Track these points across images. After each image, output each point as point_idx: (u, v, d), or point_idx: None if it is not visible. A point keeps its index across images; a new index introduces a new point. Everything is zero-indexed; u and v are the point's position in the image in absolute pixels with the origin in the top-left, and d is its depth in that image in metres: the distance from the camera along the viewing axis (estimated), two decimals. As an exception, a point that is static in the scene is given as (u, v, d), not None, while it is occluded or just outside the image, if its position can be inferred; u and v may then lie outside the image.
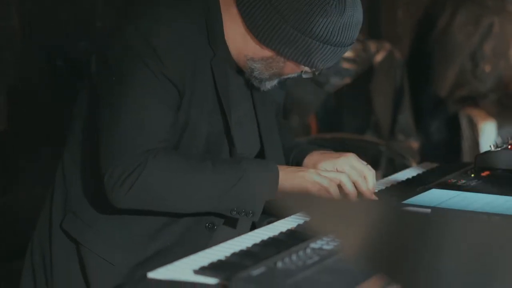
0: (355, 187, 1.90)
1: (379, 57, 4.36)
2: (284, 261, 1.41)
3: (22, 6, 3.06)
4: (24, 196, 2.94)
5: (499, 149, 2.20)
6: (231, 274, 1.36)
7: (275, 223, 1.73)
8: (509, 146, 2.20)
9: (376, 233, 1.02)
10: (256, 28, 1.83)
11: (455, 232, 0.98)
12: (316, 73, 1.91)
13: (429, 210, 1.73)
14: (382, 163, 3.76)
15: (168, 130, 1.81)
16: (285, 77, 1.93)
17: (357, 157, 1.97)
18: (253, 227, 1.89)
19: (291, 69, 1.89)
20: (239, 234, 1.71)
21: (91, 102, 1.90)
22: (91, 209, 1.89)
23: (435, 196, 1.87)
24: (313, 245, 1.49)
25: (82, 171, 1.92)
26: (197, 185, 1.79)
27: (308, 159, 2.03)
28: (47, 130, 2.97)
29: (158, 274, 1.41)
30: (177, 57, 1.80)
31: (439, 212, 1.72)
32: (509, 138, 2.27)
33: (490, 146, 2.22)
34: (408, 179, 2.16)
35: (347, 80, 4.22)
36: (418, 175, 2.23)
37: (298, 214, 1.72)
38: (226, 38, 1.87)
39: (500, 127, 4.51)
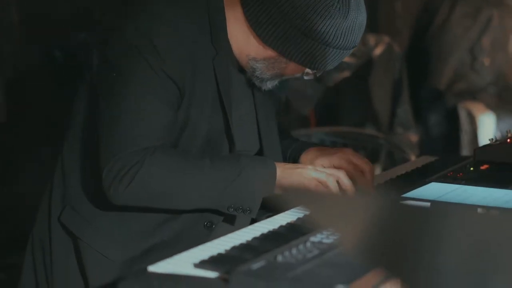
0: (354, 182, 1.91)
1: (378, 51, 4.36)
2: (284, 255, 1.41)
3: (21, 2, 3.05)
4: (23, 190, 2.94)
5: (498, 142, 2.20)
6: (231, 268, 1.36)
7: (275, 217, 1.74)
8: (508, 140, 2.20)
9: (376, 227, 1.02)
10: (260, 28, 1.83)
11: (454, 225, 0.98)
12: (318, 74, 1.91)
13: (428, 204, 1.73)
14: (381, 156, 3.76)
15: (167, 127, 1.80)
16: (287, 77, 1.93)
17: (354, 152, 1.98)
18: (253, 221, 1.90)
19: (293, 70, 1.89)
20: None
21: (91, 99, 1.90)
22: (90, 204, 1.89)
23: (435, 190, 1.87)
24: (313, 238, 1.49)
25: (81, 166, 1.92)
26: (195, 182, 1.79)
27: (305, 156, 2.03)
28: (47, 124, 2.97)
29: (158, 267, 1.41)
30: (178, 55, 1.80)
31: (438, 206, 1.72)
32: (508, 132, 2.28)
33: (489, 140, 2.23)
34: (407, 173, 2.17)
35: (346, 74, 4.22)
36: (417, 168, 2.23)
37: (297, 207, 1.72)
38: (229, 37, 1.87)
39: (498, 120, 4.52)
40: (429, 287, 0.95)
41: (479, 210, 1.66)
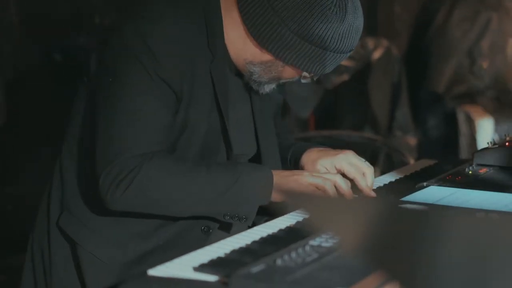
0: (354, 183, 1.91)
1: (377, 54, 4.37)
2: (283, 258, 1.42)
3: (21, 2, 3.06)
4: (23, 191, 2.94)
5: (496, 146, 2.21)
6: (230, 271, 1.36)
7: (274, 220, 1.74)
8: (506, 143, 2.21)
9: (375, 231, 1.02)
10: (257, 32, 1.83)
11: (453, 229, 0.99)
12: (315, 78, 1.92)
13: (427, 207, 1.73)
14: (380, 159, 3.77)
15: (164, 132, 1.80)
16: (284, 81, 1.93)
17: (355, 154, 1.98)
18: (252, 225, 1.90)
19: (290, 74, 1.89)
20: None
21: (89, 101, 1.90)
22: (87, 208, 1.89)
23: (433, 193, 1.87)
24: (312, 242, 1.50)
25: (79, 170, 1.92)
26: (191, 189, 1.78)
27: (306, 156, 2.03)
28: (46, 126, 2.97)
29: (158, 271, 1.41)
30: (175, 59, 1.80)
31: (437, 209, 1.72)
32: (506, 135, 2.28)
33: (488, 143, 2.23)
34: (406, 176, 2.17)
35: (345, 77, 4.22)
36: (416, 172, 2.23)
37: (296, 211, 1.72)
38: (226, 40, 1.87)
39: (497, 123, 4.52)
40: (428, 291, 0.96)
41: (478, 213, 1.67)
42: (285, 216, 1.75)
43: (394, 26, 4.89)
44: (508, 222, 1.06)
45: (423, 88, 4.78)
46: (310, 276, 1.36)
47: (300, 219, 1.71)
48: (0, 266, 2.89)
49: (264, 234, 1.61)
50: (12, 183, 3.03)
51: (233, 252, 1.50)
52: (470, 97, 4.70)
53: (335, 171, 1.96)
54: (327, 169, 1.97)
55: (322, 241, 1.50)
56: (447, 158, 3.52)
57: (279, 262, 1.40)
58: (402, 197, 1.82)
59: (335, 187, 1.84)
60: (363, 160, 1.97)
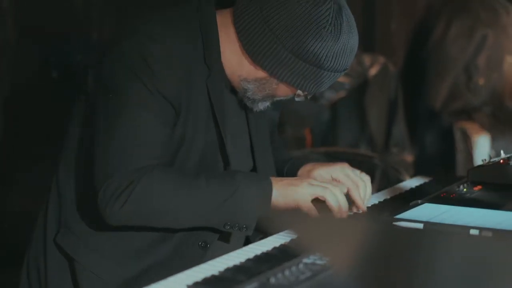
0: (349, 194, 1.93)
1: (373, 71, 4.38)
2: (277, 277, 1.42)
3: (17, 18, 3.07)
4: (19, 208, 2.94)
5: (491, 163, 2.21)
6: (224, 290, 1.37)
7: (269, 238, 1.74)
8: (501, 160, 2.21)
9: (369, 249, 1.03)
10: (252, 48, 1.84)
11: (447, 246, 0.99)
12: (309, 96, 1.92)
13: (421, 225, 1.73)
14: (376, 176, 3.77)
15: (162, 146, 1.81)
16: (278, 99, 1.94)
17: (350, 166, 2.00)
18: (247, 242, 1.90)
19: (284, 92, 1.90)
20: None
21: (86, 118, 1.91)
22: (85, 224, 1.90)
23: (428, 211, 1.87)
24: (306, 260, 1.50)
25: (76, 186, 1.93)
26: (191, 201, 1.79)
27: (302, 169, 2.05)
28: (42, 142, 2.97)
29: (152, 289, 1.42)
30: (172, 74, 1.81)
31: (431, 227, 1.73)
32: (502, 152, 2.29)
33: (482, 160, 2.24)
34: (401, 193, 2.18)
35: (342, 94, 4.23)
36: (411, 189, 2.24)
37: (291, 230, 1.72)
38: (222, 57, 1.88)
39: (494, 140, 4.53)
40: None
41: (472, 231, 1.68)
42: (280, 234, 1.75)
43: (391, 43, 4.90)
44: (502, 239, 1.06)
45: (420, 105, 4.79)
46: (303, 294, 1.36)
47: (294, 237, 1.71)
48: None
49: (258, 252, 1.61)
50: (7, 200, 3.03)
51: (227, 270, 1.50)
52: (467, 113, 4.71)
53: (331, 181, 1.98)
54: (322, 178, 1.98)
55: (316, 258, 1.50)
56: (443, 175, 3.52)
57: (272, 280, 1.41)
58: (396, 214, 1.83)
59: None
60: (359, 172, 1.99)
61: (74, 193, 1.92)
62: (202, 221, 1.84)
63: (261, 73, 1.86)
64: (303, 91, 1.89)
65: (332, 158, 3.75)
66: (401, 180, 3.38)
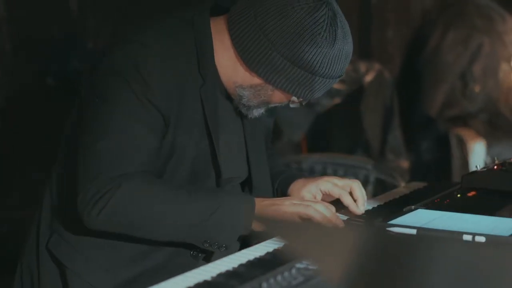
0: (341, 200, 1.94)
1: (369, 77, 4.39)
2: (269, 282, 1.42)
3: (12, 26, 3.07)
4: (12, 215, 2.94)
5: (485, 169, 2.21)
6: (216, 295, 1.37)
7: (262, 243, 1.74)
8: (495, 167, 2.21)
9: (362, 255, 1.03)
10: (247, 55, 1.84)
11: (440, 252, 0.99)
12: (303, 103, 1.92)
13: (414, 231, 1.73)
14: (371, 182, 3.78)
15: (148, 154, 1.79)
16: (273, 105, 1.94)
17: (337, 177, 2.02)
18: (243, 247, 1.90)
19: (279, 98, 1.90)
20: None
21: (78, 125, 1.91)
22: (76, 231, 1.89)
23: (421, 216, 1.88)
24: (298, 265, 1.50)
25: (68, 191, 1.92)
26: (169, 213, 1.77)
27: (293, 186, 2.05)
28: (37, 149, 2.98)
29: (144, 294, 1.41)
30: (164, 83, 1.80)
31: (424, 233, 1.73)
32: (496, 159, 2.29)
33: (476, 166, 2.24)
34: (395, 199, 2.18)
35: (337, 101, 4.24)
36: (405, 195, 2.24)
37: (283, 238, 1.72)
38: (216, 64, 1.88)
39: (489, 146, 4.53)
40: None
41: (465, 237, 1.68)
42: (273, 239, 1.75)
43: (387, 50, 4.91)
44: (495, 245, 1.06)
45: (416, 112, 4.80)
46: (295, 299, 1.36)
47: (287, 243, 1.70)
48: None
49: (251, 257, 1.61)
50: (1, 207, 3.03)
51: (220, 275, 1.50)
52: (463, 120, 4.71)
53: (321, 195, 1.98)
54: (313, 195, 1.99)
55: (308, 263, 1.50)
56: (438, 181, 3.52)
57: (265, 285, 1.41)
58: (390, 220, 1.83)
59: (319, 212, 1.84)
60: (347, 179, 2.00)
61: (65, 198, 1.92)
62: (180, 237, 1.81)
63: (256, 80, 1.86)
64: (298, 98, 1.89)
65: (328, 164, 3.75)
66: (397, 187, 3.38)
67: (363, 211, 1.98)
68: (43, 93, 3.17)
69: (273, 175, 2.10)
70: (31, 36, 3.11)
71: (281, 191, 2.07)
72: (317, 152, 4.00)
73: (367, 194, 2.03)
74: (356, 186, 1.98)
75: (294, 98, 1.89)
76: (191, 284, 1.44)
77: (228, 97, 1.94)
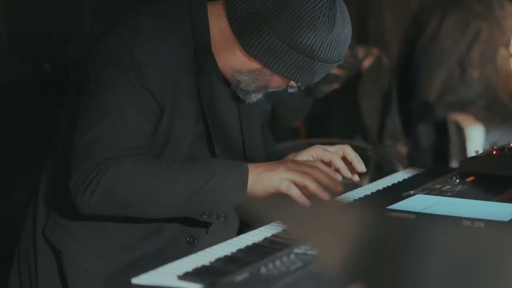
0: (333, 163, 1.94)
1: (367, 63, 4.38)
2: (267, 267, 1.42)
3: (8, 13, 3.06)
4: (10, 201, 2.94)
5: (484, 154, 2.21)
6: (215, 280, 1.36)
7: (260, 229, 1.73)
8: (494, 152, 2.21)
9: (360, 239, 1.02)
10: (245, 40, 1.83)
11: (439, 237, 0.99)
12: (302, 87, 1.91)
13: (413, 216, 1.73)
14: (369, 168, 3.77)
15: (141, 139, 1.78)
16: (271, 90, 1.93)
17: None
18: (240, 233, 1.89)
19: (277, 83, 1.89)
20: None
21: (73, 109, 1.90)
22: (72, 216, 1.88)
23: (420, 202, 1.87)
24: (297, 250, 1.50)
25: (63, 177, 1.92)
26: (163, 188, 1.75)
27: (287, 158, 2.04)
28: (34, 135, 2.97)
29: (142, 280, 1.41)
30: (158, 69, 1.79)
31: (423, 218, 1.72)
32: (495, 144, 2.28)
33: (475, 152, 2.23)
34: (393, 184, 2.17)
35: (335, 86, 4.23)
36: (404, 180, 2.24)
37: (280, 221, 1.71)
38: (214, 49, 1.87)
39: (487, 132, 4.53)
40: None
41: (464, 222, 1.68)
42: (271, 224, 1.74)
43: (385, 36, 4.90)
44: (494, 230, 1.06)
45: (414, 97, 4.79)
46: (294, 285, 1.35)
47: (285, 227, 1.70)
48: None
49: (250, 243, 1.61)
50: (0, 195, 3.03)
51: (218, 260, 1.50)
52: (461, 106, 4.71)
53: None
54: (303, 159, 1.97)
55: (307, 248, 1.50)
56: (436, 167, 3.52)
57: (263, 270, 1.40)
58: (388, 205, 1.82)
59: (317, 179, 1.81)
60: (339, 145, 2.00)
61: (61, 184, 1.91)
62: (177, 211, 1.79)
63: (254, 64, 1.86)
64: (296, 82, 1.88)
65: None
66: (395, 172, 3.38)
67: (364, 169, 1.97)
68: (39, 79, 3.16)
69: (270, 154, 2.10)
70: (27, 22, 3.10)
71: None
72: (315, 138, 4.00)
73: (364, 180, 2.03)
74: (349, 150, 1.97)
75: (292, 83, 1.88)
76: (189, 269, 1.44)
77: (225, 82, 1.93)
